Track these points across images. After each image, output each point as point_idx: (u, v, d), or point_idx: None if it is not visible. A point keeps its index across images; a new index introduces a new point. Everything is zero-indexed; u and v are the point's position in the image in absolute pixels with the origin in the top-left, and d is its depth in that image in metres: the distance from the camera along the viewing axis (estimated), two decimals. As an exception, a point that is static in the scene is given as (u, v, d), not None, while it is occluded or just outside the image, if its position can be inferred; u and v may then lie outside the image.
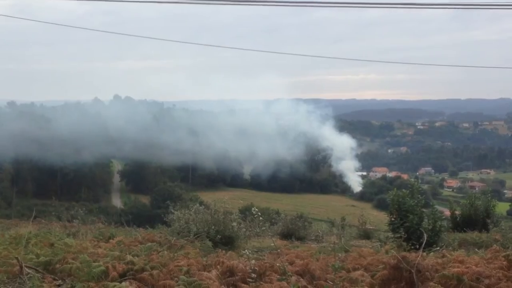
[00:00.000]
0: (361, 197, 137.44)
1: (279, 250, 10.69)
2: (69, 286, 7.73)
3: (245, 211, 28.78)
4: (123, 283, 7.65)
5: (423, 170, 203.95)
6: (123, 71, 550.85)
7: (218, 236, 14.93)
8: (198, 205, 17.70)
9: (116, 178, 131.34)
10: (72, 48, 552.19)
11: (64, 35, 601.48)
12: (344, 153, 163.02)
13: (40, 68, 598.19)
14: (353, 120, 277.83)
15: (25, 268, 8.34)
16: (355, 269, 9.61)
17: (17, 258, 8.50)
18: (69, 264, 8.73)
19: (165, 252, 11.29)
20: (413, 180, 17.65)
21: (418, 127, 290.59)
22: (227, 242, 15.36)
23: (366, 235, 22.97)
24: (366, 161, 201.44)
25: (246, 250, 9.61)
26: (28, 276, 8.07)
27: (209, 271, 8.70)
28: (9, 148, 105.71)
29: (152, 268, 8.74)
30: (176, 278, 8.12)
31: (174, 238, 13.82)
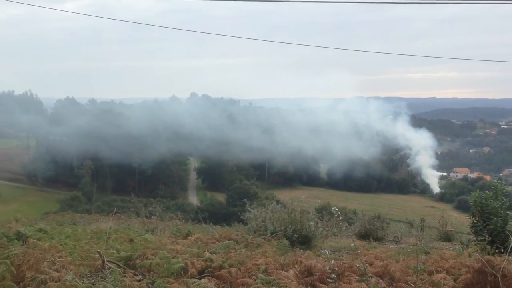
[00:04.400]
0: (441, 198, 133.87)
1: (358, 251, 10.42)
2: (149, 281, 7.81)
3: (321, 210, 28.57)
4: (202, 280, 7.65)
5: (507, 171, 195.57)
6: (199, 69, 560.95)
7: (295, 235, 14.79)
8: (274, 203, 17.59)
9: (193, 176, 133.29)
10: (149, 46, 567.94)
11: (141, 33, 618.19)
12: (423, 153, 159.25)
13: (119, 66, 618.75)
14: (433, 119, 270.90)
15: (107, 262, 8.49)
16: (436, 272, 9.25)
17: (99, 253, 8.67)
18: (149, 259, 8.84)
19: (243, 250, 11.28)
20: (496, 181, 16.79)
21: (502, 126, 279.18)
22: (304, 241, 15.20)
23: (447, 237, 22.26)
24: (446, 161, 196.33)
25: (325, 250, 9.42)
26: (110, 270, 8.20)
27: (287, 270, 8.60)
28: (90, 144, 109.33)
29: (230, 265, 8.73)
30: (254, 277, 8.05)
31: (251, 236, 13.82)
